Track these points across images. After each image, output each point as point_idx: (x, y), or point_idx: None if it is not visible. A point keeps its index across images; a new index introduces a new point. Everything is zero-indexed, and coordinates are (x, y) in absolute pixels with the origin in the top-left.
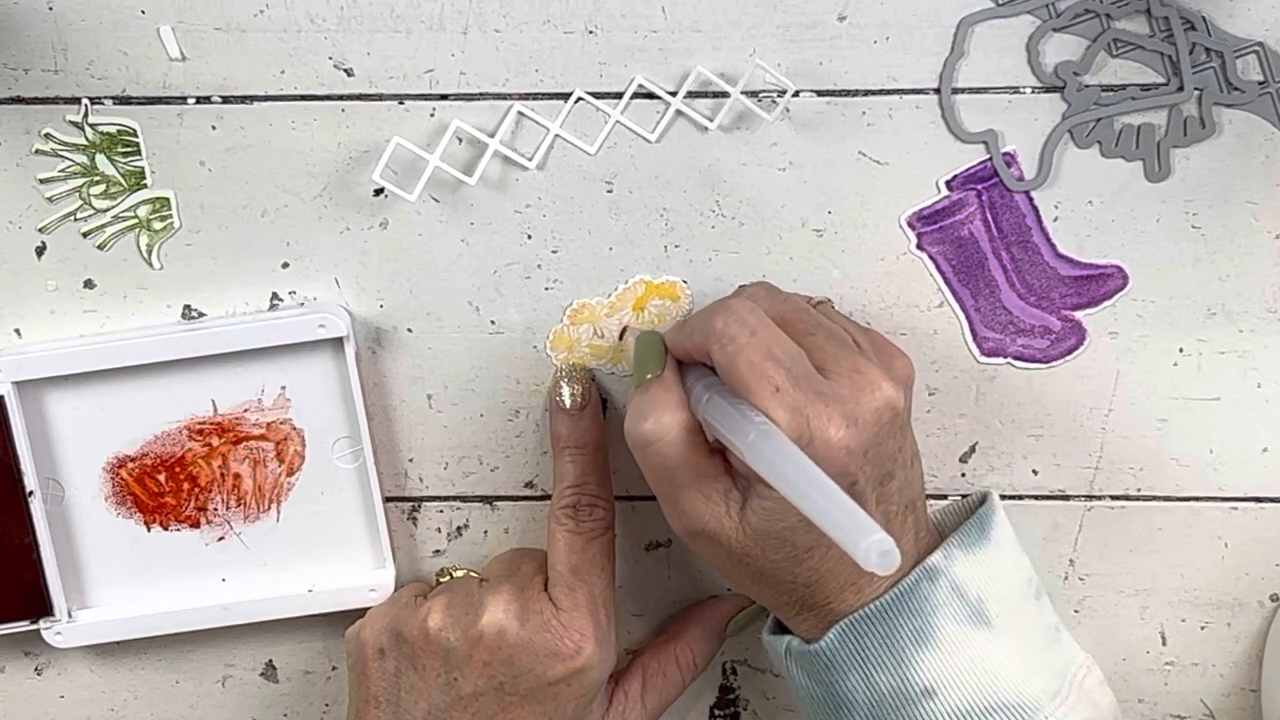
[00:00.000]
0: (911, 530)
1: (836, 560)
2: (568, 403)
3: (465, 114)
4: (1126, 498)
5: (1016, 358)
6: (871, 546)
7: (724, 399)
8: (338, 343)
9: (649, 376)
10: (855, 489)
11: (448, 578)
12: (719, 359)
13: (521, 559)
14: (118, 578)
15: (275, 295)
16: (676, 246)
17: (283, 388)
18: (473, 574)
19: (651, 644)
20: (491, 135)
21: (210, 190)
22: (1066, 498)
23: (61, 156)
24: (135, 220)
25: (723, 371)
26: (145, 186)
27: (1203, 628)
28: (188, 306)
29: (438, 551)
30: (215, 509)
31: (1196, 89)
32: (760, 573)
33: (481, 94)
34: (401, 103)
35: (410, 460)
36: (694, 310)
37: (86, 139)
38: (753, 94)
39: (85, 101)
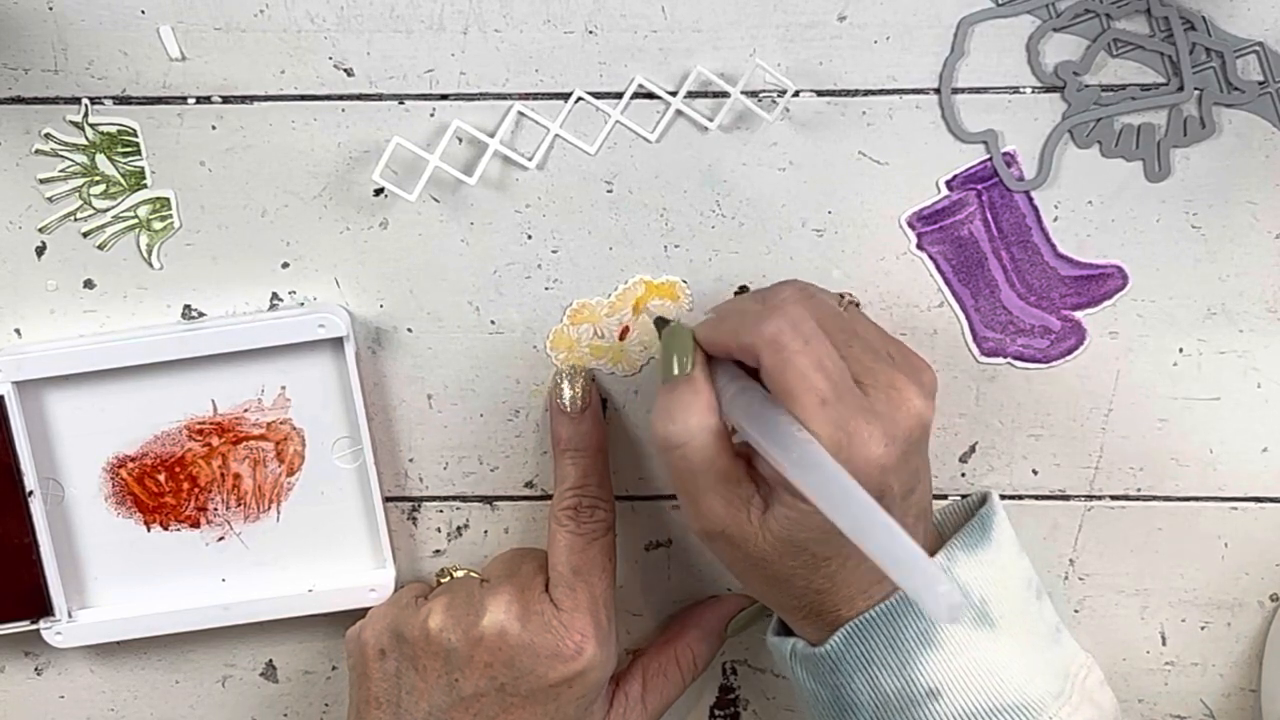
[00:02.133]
0: (920, 537)
1: (853, 570)
2: (568, 405)
3: (465, 114)
4: (1126, 498)
5: (1016, 358)
6: (941, 599)
7: (762, 407)
8: (338, 343)
9: (677, 374)
10: (884, 503)
11: (448, 578)
12: (769, 364)
13: (522, 559)
14: (118, 578)
15: (275, 295)
16: (676, 246)
17: (283, 388)
18: (473, 574)
19: (652, 645)
20: (491, 135)
21: (210, 190)
22: (1066, 498)
23: (61, 156)
24: (135, 220)
25: (771, 377)
26: (145, 186)
27: (1203, 628)
28: (188, 306)
29: (438, 551)
30: (215, 509)
31: (1196, 89)
32: (774, 577)
33: (481, 94)
34: (401, 103)
35: (410, 460)
36: (693, 310)
37: (86, 139)
38: (753, 94)
39: (85, 101)
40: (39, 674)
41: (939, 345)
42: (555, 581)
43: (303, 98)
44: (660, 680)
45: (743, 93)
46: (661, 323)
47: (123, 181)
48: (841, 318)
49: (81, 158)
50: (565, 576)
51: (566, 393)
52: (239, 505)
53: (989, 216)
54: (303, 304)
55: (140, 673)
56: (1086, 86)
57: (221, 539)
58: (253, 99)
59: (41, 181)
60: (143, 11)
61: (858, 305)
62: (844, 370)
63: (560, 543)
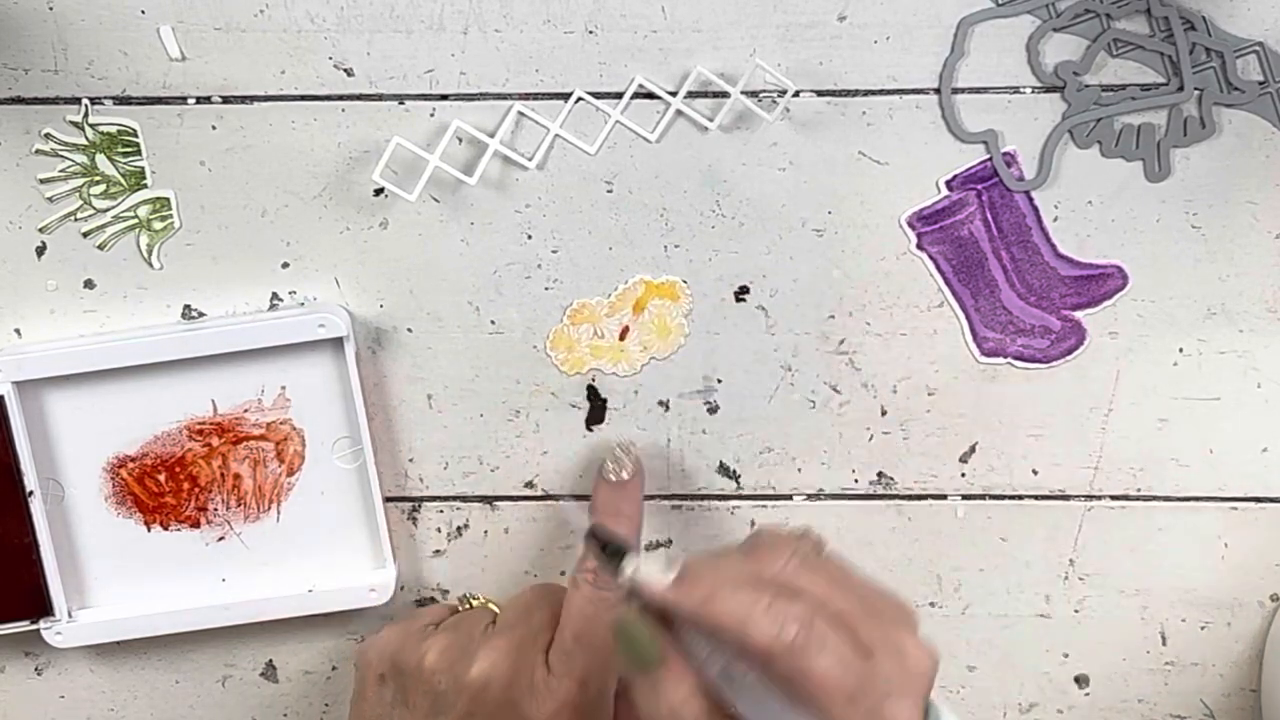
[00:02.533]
0: None
1: None
2: (613, 477)
3: (465, 114)
4: (1126, 498)
5: (1016, 358)
6: None
7: (768, 702)
8: (338, 343)
9: (647, 669)
10: None
11: (467, 606)
12: (785, 670)
13: (538, 605)
14: (118, 578)
15: (275, 295)
16: (676, 246)
17: (283, 388)
18: (492, 605)
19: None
20: (491, 135)
21: (210, 190)
22: (1066, 498)
23: (61, 156)
24: (135, 220)
25: (788, 682)
26: (145, 186)
27: (1203, 628)
28: (188, 306)
29: (438, 552)
30: (215, 509)
31: (1196, 89)
32: None
33: (481, 94)
34: (401, 103)
35: (410, 460)
36: (692, 313)
37: (86, 139)
38: (753, 94)
39: (85, 101)
40: (39, 674)
41: (939, 345)
42: (557, 644)
43: (303, 98)
44: None
45: (743, 93)
46: (597, 538)
47: (123, 181)
48: (838, 579)
49: (81, 158)
50: (567, 642)
51: (611, 467)
52: (239, 505)
53: (989, 216)
54: (303, 304)
55: (140, 673)
56: (1086, 86)
57: (221, 539)
58: (253, 99)
59: (41, 181)
60: (143, 11)
61: (821, 543)
62: (853, 655)
63: (574, 604)
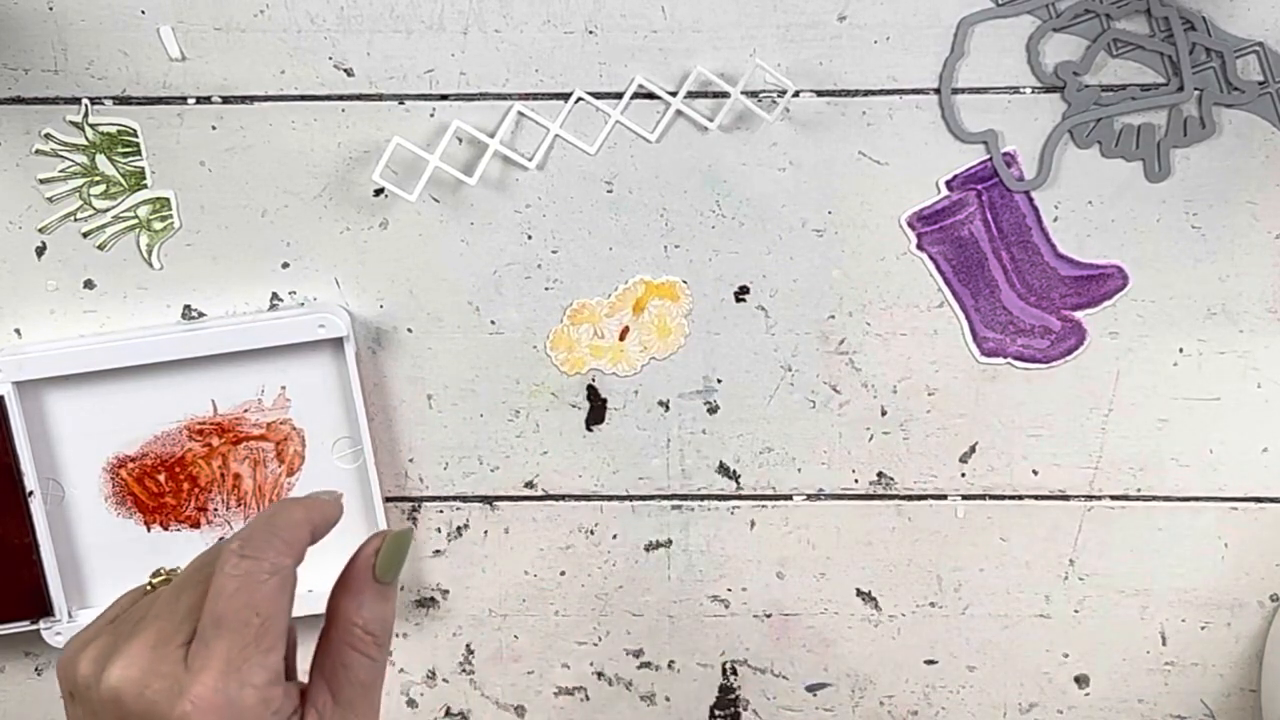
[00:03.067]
0: None
1: None
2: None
3: (465, 114)
4: (1126, 498)
5: (1016, 358)
6: None
7: None
8: (338, 343)
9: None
10: None
11: (149, 588)
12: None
13: (188, 584)
14: (118, 578)
15: (275, 295)
16: (676, 246)
17: (283, 388)
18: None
19: (318, 642)
20: (491, 135)
21: (210, 190)
22: (1066, 498)
23: (61, 156)
24: (135, 220)
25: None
26: (145, 186)
27: (1203, 628)
28: (188, 306)
29: (437, 552)
30: (215, 509)
31: (1196, 89)
32: None
33: (481, 94)
34: (401, 103)
35: (410, 460)
36: (692, 313)
37: (86, 139)
38: (753, 94)
39: (85, 101)
40: (39, 674)
41: (939, 345)
42: (199, 632)
43: (303, 98)
44: (343, 673)
45: (743, 93)
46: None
47: (123, 181)
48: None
49: (81, 158)
50: (207, 628)
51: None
52: (239, 505)
53: (989, 216)
54: (303, 304)
55: None
56: (1086, 86)
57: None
58: (253, 99)
59: (41, 181)
60: (143, 11)
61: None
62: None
63: (218, 582)
